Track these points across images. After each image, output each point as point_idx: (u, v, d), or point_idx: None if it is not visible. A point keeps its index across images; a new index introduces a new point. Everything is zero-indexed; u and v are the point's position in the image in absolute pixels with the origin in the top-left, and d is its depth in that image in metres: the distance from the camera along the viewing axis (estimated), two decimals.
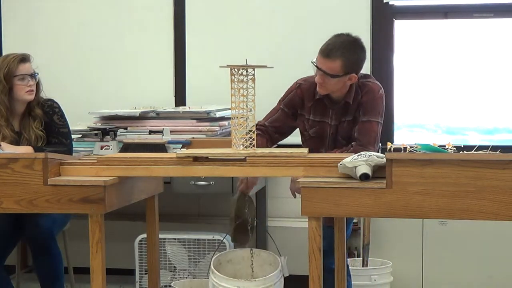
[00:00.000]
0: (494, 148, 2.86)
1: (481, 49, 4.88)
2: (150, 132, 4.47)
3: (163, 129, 4.43)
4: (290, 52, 4.93)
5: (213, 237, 4.44)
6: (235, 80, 3.00)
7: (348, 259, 4.07)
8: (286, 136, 3.71)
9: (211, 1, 5.06)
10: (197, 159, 2.98)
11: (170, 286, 4.22)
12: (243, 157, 2.94)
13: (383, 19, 4.88)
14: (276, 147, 4.47)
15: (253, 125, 3.04)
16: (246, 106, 3.02)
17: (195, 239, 4.46)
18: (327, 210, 2.77)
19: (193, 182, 4.27)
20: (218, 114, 4.49)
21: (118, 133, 4.48)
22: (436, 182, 2.67)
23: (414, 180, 2.69)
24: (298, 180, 2.88)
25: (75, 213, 3.26)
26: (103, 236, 2.93)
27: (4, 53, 5.12)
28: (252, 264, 3.65)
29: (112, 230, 4.28)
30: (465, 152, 2.79)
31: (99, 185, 2.89)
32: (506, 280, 4.69)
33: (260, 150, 3.07)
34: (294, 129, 3.70)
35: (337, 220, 3.32)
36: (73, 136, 4.19)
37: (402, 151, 2.82)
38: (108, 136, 4.46)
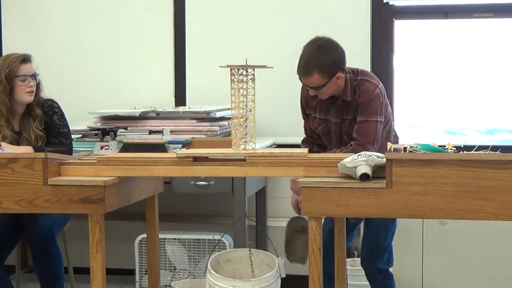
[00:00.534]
0: (494, 148, 2.86)
1: (481, 49, 4.88)
2: (150, 132, 4.47)
3: (163, 129, 4.43)
4: (290, 52, 4.90)
5: (213, 237, 4.43)
6: (235, 80, 3.00)
7: (348, 259, 4.07)
8: None
9: (211, 1, 5.06)
10: (197, 159, 2.98)
11: (170, 286, 4.22)
12: (243, 157, 2.94)
13: (383, 19, 4.88)
14: (276, 147, 4.49)
15: (253, 126, 3.04)
16: (246, 106, 3.02)
17: (195, 239, 4.46)
18: (327, 210, 2.77)
19: (193, 182, 4.27)
20: (218, 114, 4.49)
21: (118, 133, 4.48)
22: (436, 182, 2.67)
23: (414, 180, 2.69)
24: (298, 180, 2.88)
25: (75, 213, 3.26)
26: (103, 236, 2.93)
27: (4, 53, 5.13)
28: (252, 264, 3.65)
29: (112, 230, 4.28)
30: (465, 152, 2.79)
31: (99, 185, 2.89)
32: (506, 280, 4.69)
33: (260, 150, 3.07)
34: None
35: (337, 220, 3.32)
36: (73, 136, 4.19)
37: (402, 151, 2.81)
38: (108, 136, 4.45)
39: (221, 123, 4.51)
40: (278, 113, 4.80)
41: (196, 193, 4.41)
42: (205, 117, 4.49)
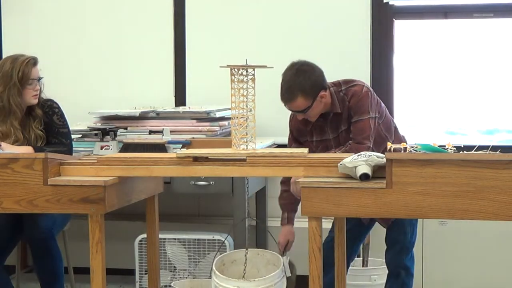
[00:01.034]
0: (494, 148, 2.86)
1: (481, 49, 4.88)
2: (150, 132, 4.47)
3: (163, 129, 4.43)
4: (290, 52, 4.91)
5: (213, 237, 4.44)
6: (235, 80, 3.00)
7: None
8: None
9: (211, 1, 5.06)
10: (197, 159, 2.98)
11: (170, 286, 4.22)
12: (243, 157, 2.94)
13: (383, 19, 4.87)
14: (276, 147, 4.49)
15: (253, 126, 3.04)
16: (246, 106, 3.02)
17: (195, 239, 4.46)
18: (327, 210, 2.77)
19: (193, 182, 4.27)
20: (218, 114, 4.49)
21: (118, 133, 4.47)
22: (436, 182, 2.67)
23: (414, 180, 2.69)
24: (298, 180, 2.88)
25: (75, 213, 3.26)
26: (103, 236, 2.93)
27: (4, 53, 5.13)
28: (246, 264, 3.65)
29: (112, 230, 4.28)
30: (465, 152, 2.79)
31: (99, 185, 2.89)
32: (506, 280, 4.69)
33: (260, 150, 3.07)
34: None
35: (337, 220, 3.32)
36: (73, 136, 4.19)
37: (402, 151, 2.81)
38: (108, 136, 4.45)
39: (221, 123, 4.51)
40: (278, 113, 4.78)
41: (196, 193, 4.41)
42: (205, 117, 4.49)
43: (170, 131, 4.43)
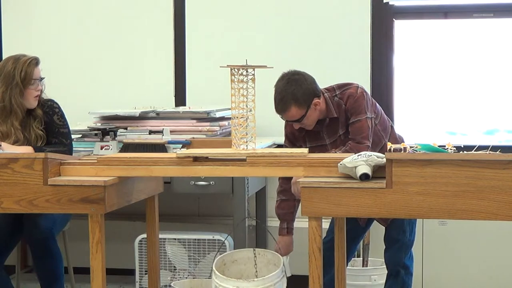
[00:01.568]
0: (494, 148, 2.86)
1: (481, 49, 4.88)
2: (150, 132, 4.46)
3: (163, 129, 4.43)
4: (290, 52, 4.93)
5: (213, 237, 4.43)
6: (235, 80, 3.00)
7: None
8: None
9: (211, 1, 5.06)
10: (197, 159, 2.98)
11: (170, 286, 4.22)
12: (243, 157, 2.94)
13: (383, 19, 4.88)
14: (276, 147, 4.49)
15: (253, 126, 3.04)
16: (246, 106, 3.02)
17: (195, 239, 4.46)
18: (327, 210, 2.77)
19: (193, 182, 4.27)
20: (218, 114, 4.49)
21: (118, 133, 4.47)
22: (436, 182, 2.67)
23: (414, 180, 2.69)
24: (298, 180, 2.88)
25: (75, 213, 3.26)
26: (103, 236, 2.93)
27: (4, 53, 5.13)
28: (256, 264, 3.64)
29: (112, 230, 4.29)
30: (465, 152, 2.79)
31: (99, 185, 2.89)
32: (506, 280, 4.69)
33: (260, 150, 3.07)
34: None
35: (337, 220, 3.32)
36: (73, 136, 4.19)
37: (402, 151, 2.82)
38: (108, 136, 4.45)
39: (221, 123, 4.51)
40: None
41: (196, 193, 4.41)
42: (205, 117, 4.49)
43: (170, 131, 4.42)
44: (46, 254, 3.92)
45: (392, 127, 3.83)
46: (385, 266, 3.94)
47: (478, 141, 4.79)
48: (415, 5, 4.95)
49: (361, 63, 4.85)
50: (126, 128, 4.50)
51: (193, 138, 4.15)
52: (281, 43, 4.93)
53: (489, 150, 2.74)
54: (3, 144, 3.75)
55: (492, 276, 4.71)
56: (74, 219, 4.35)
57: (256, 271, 3.64)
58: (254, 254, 3.62)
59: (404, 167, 2.69)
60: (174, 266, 4.50)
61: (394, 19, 4.89)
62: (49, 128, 3.98)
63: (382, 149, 3.52)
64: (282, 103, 3.56)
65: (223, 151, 3.03)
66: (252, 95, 3.02)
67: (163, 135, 4.40)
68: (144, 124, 4.52)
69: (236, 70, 3.00)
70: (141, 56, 5.14)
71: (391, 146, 2.86)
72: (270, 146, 4.53)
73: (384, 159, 2.73)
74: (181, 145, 4.08)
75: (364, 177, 2.73)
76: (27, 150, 3.84)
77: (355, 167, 2.75)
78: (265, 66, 3.06)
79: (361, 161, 2.75)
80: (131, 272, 4.67)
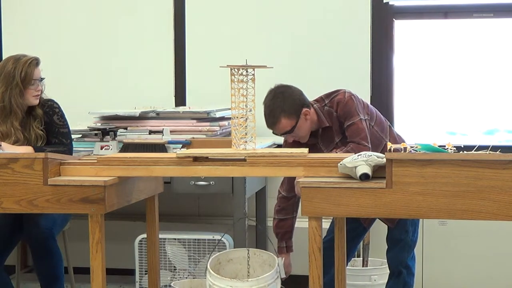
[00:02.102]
0: (494, 148, 2.86)
1: (481, 49, 4.88)
2: (150, 132, 4.46)
3: (163, 129, 4.43)
4: (290, 52, 4.93)
5: (213, 237, 4.43)
6: (235, 80, 3.00)
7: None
8: None
9: (211, 1, 5.06)
10: (197, 159, 2.98)
11: (170, 286, 4.22)
12: (243, 157, 2.94)
13: (383, 19, 4.88)
14: (276, 147, 4.49)
15: (253, 126, 3.04)
16: (246, 106, 3.02)
17: (195, 239, 4.46)
18: (327, 210, 2.77)
19: (193, 182, 4.27)
20: (218, 114, 4.49)
21: (118, 133, 4.47)
22: (436, 182, 2.67)
23: (414, 180, 2.69)
24: (298, 180, 2.88)
25: (75, 213, 3.26)
26: (103, 236, 2.93)
27: (4, 53, 5.13)
28: (249, 265, 3.64)
29: (112, 230, 4.28)
30: (465, 152, 2.79)
31: (99, 185, 2.89)
32: (506, 280, 4.69)
33: (260, 150, 3.07)
34: None
35: (337, 220, 3.32)
36: (73, 136, 4.19)
37: (402, 151, 2.81)
38: (108, 136, 4.45)
39: (221, 123, 4.51)
40: None
41: (196, 193, 4.41)
42: (205, 117, 4.49)
43: (170, 131, 4.42)
44: (46, 254, 3.92)
45: (390, 127, 3.83)
46: (385, 266, 3.94)
47: (478, 141, 4.79)
48: (415, 5, 4.95)
49: (361, 63, 4.85)
50: (126, 128, 4.50)
51: (193, 138, 4.16)
52: (281, 43, 4.93)
53: (489, 150, 2.74)
54: (3, 144, 3.75)
55: (492, 276, 4.71)
56: (74, 219, 4.35)
57: (249, 271, 3.64)
58: (248, 254, 3.62)
59: (404, 167, 2.69)
60: (174, 266, 4.50)
61: (394, 19, 4.89)
62: (49, 128, 3.98)
63: (383, 150, 3.52)
64: (271, 116, 3.59)
65: (223, 151, 3.03)
66: (252, 95, 3.02)
67: (163, 135, 4.40)
68: (144, 124, 4.52)
69: (236, 70, 3.00)
70: (141, 56, 5.14)
71: (391, 146, 2.86)
72: (270, 146, 4.53)
73: (384, 159, 2.73)
74: (181, 145, 4.08)
75: (364, 177, 2.73)
76: (27, 150, 3.84)
77: (355, 167, 2.75)
78: (265, 66, 3.06)
79: (361, 161, 2.75)
80: (131, 272, 4.67)
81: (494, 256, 4.70)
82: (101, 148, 4.40)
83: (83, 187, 2.90)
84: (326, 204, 2.76)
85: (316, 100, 3.74)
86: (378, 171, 2.77)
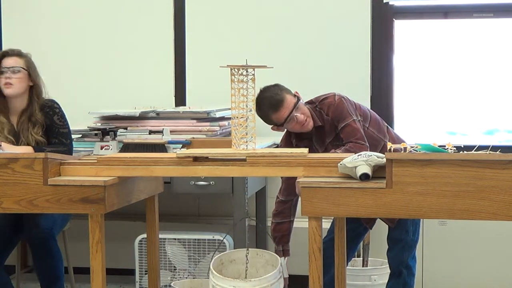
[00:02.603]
0: (494, 148, 2.86)
1: (481, 49, 4.88)
2: (150, 132, 4.46)
3: (163, 129, 4.43)
4: (290, 52, 4.93)
5: (213, 237, 4.44)
6: (235, 80, 3.00)
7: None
8: None
9: (211, 1, 5.06)
10: (197, 159, 2.98)
11: (170, 286, 4.22)
12: (243, 157, 2.94)
13: (383, 19, 4.88)
14: (276, 147, 4.49)
15: (253, 126, 3.04)
16: (246, 106, 3.02)
17: (195, 239, 4.46)
18: (327, 210, 2.77)
19: (193, 182, 4.27)
20: (218, 114, 4.49)
21: (118, 133, 4.47)
22: (436, 182, 2.67)
23: (414, 180, 2.69)
24: (298, 180, 2.88)
25: (75, 213, 3.26)
26: (103, 236, 2.93)
27: None
28: (247, 266, 3.65)
29: (112, 230, 4.28)
30: (465, 152, 2.79)
31: (99, 185, 2.89)
32: (506, 280, 4.69)
33: (260, 150, 3.07)
34: None
35: (337, 220, 3.32)
36: (73, 136, 4.19)
37: (402, 151, 2.81)
38: (108, 136, 4.45)
39: (221, 123, 4.51)
40: None
41: (196, 193, 4.41)
42: (205, 117, 4.49)
43: (170, 131, 4.42)
44: (46, 254, 3.92)
45: (388, 127, 3.83)
46: (385, 266, 3.94)
47: (478, 141, 4.79)
48: (415, 5, 4.95)
49: (361, 63, 4.85)
50: (126, 128, 4.50)
51: (193, 138, 4.16)
52: (281, 43, 4.93)
53: (489, 150, 2.74)
54: (3, 144, 3.75)
55: (492, 276, 4.71)
56: (74, 219, 4.35)
57: (247, 270, 3.64)
58: (246, 254, 3.62)
59: (404, 167, 2.69)
60: (174, 266, 4.50)
61: (394, 19, 4.89)
62: (49, 128, 3.99)
63: (383, 150, 3.52)
64: (274, 101, 3.60)
65: (223, 151, 3.03)
66: (252, 95, 3.02)
67: (163, 135, 4.40)
68: (144, 124, 4.52)
69: (236, 70, 3.00)
70: (141, 56, 5.14)
71: (391, 146, 2.86)
72: (270, 146, 4.53)
73: (384, 159, 2.73)
74: (181, 145, 4.08)
75: (364, 177, 2.73)
76: (27, 150, 3.85)
77: (355, 167, 2.75)
78: (265, 66, 3.06)
79: (361, 161, 2.76)
80: (131, 272, 4.67)
81: (494, 256, 4.70)
82: (101, 148, 4.40)
83: (83, 187, 2.90)
84: (326, 204, 2.76)
85: (308, 102, 3.76)
86: (378, 171, 2.77)
